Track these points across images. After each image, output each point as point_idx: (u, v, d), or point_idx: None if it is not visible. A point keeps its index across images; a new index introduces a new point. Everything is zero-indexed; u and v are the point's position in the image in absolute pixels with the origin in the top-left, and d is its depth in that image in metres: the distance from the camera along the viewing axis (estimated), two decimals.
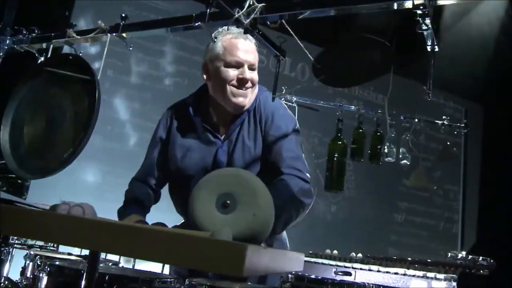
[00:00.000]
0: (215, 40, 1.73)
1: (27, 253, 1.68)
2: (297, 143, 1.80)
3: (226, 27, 1.59)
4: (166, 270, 2.01)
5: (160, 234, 0.80)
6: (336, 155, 2.45)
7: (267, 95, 1.82)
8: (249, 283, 1.63)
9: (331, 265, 1.92)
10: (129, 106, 4.08)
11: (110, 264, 1.67)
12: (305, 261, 1.89)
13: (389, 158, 2.63)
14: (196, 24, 1.53)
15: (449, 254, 2.16)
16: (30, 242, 1.89)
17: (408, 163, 2.72)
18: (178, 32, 1.74)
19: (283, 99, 2.50)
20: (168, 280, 1.34)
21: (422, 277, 1.77)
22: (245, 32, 1.44)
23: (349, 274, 1.85)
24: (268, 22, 1.45)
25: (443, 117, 2.76)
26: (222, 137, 1.81)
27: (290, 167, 1.71)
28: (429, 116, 2.77)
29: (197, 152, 1.80)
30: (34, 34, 1.93)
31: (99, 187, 3.81)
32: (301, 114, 2.55)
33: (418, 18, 1.28)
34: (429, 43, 1.38)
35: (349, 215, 4.85)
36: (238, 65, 1.74)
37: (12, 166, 1.65)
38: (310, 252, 2.00)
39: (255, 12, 1.38)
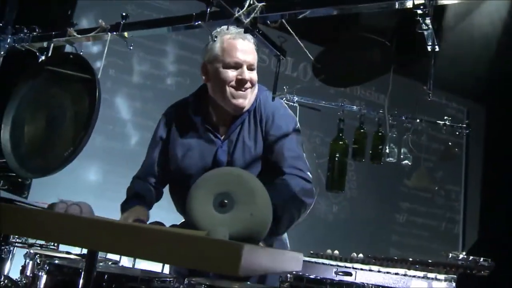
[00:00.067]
0: (215, 39, 1.72)
1: (27, 251, 1.69)
2: (298, 143, 1.80)
3: (225, 26, 1.58)
4: (167, 269, 2.00)
5: (156, 233, 0.79)
6: (337, 155, 2.46)
7: (267, 95, 1.82)
8: (248, 282, 1.62)
9: (331, 265, 1.92)
10: (131, 106, 4.08)
11: (109, 263, 1.67)
12: (305, 261, 1.89)
13: (391, 159, 2.63)
14: (196, 23, 1.53)
15: (450, 254, 2.15)
16: (30, 240, 1.89)
17: (410, 164, 2.72)
18: (179, 31, 1.74)
19: (284, 99, 2.49)
20: (167, 279, 1.34)
21: (423, 277, 1.76)
22: (245, 32, 1.43)
23: (350, 274, 1.85)
24: (269, 22, 1.44)
25: (445, 117, 2.76)
26: (222, 137, 1.81)
27: (291, 166, 1.71)
28: (431, 116, 2.77)
29: (197, 151, 1.80)
30: (35, 33, 1.94)
31: (100, 186, 3.81)
32: (303, 114, 2.55)
33: (418, 18, 1.28)
34: (429, 43, 1.38)
35: (350, 215, 4.84)
36: (237, 65, 1.73)
37: (12, 165, 1.65)
38: (311, 252, 2.00)
39: (255, 11, 1.38)
